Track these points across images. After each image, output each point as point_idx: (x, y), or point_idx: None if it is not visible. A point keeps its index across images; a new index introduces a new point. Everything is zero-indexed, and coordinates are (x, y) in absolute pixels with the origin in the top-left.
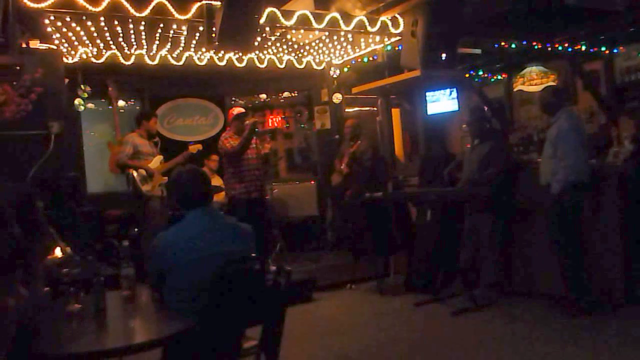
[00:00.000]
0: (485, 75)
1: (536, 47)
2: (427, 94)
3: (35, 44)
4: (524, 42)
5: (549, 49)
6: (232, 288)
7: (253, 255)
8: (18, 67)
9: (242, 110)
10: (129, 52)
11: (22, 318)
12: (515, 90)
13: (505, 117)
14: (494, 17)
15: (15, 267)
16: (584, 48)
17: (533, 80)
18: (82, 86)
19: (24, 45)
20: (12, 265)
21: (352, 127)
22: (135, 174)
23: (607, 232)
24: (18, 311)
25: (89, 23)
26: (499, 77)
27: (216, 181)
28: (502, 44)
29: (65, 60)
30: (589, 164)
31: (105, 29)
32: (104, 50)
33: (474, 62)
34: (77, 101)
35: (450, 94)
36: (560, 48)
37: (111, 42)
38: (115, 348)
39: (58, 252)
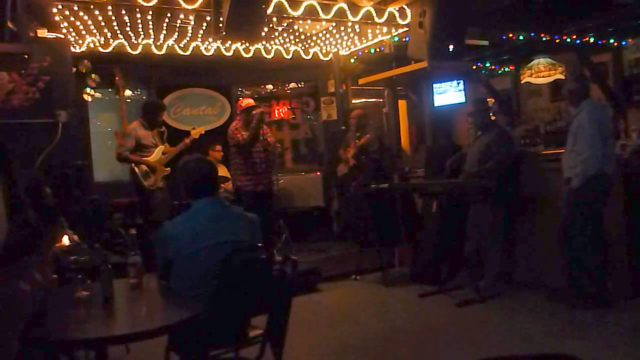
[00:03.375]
0: (493, 67)
1: (544, 39)
2: (434, 85)
3: (43, 32)
4: (532, 34)
5: (557, 40)
6: (239, 277)
7: (259, 244)
8: (26, 56)
9: (252, 103)
10: (136, 42)
11: (36, 303)
12: (522, 82)
13: (511, 109)
14: (501, 8)
15: (30, 251)
16: (592, 40)
17: (541, 72)
18: (91, 75)
19: (32, 34)
20: (27, 250)
21: (358, 118)
22: (136, 169)
23: (612, 224)
24: (33, 296)
25: (97, 12)
26: (507, 69)
27: (221, 171)
28: (510, 35)
29: (72, 49)
30: (610, 155)
31: (113, 18)
32: (111, 40)
33: (482, 53)
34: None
35: (457, 85)
36: (568, 40)
37: (118, 32)
38: (123, 334)
39: (66, 240)
